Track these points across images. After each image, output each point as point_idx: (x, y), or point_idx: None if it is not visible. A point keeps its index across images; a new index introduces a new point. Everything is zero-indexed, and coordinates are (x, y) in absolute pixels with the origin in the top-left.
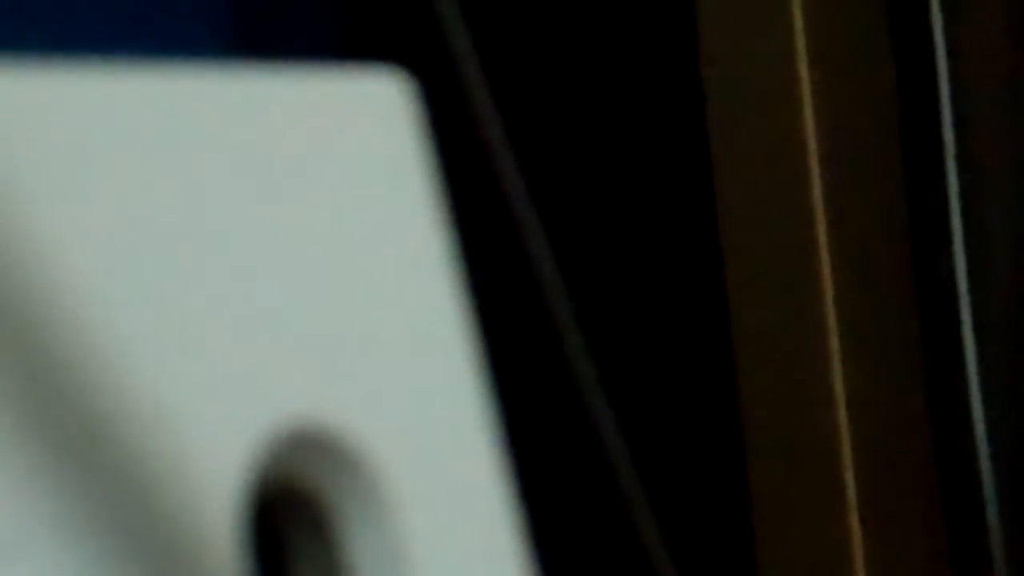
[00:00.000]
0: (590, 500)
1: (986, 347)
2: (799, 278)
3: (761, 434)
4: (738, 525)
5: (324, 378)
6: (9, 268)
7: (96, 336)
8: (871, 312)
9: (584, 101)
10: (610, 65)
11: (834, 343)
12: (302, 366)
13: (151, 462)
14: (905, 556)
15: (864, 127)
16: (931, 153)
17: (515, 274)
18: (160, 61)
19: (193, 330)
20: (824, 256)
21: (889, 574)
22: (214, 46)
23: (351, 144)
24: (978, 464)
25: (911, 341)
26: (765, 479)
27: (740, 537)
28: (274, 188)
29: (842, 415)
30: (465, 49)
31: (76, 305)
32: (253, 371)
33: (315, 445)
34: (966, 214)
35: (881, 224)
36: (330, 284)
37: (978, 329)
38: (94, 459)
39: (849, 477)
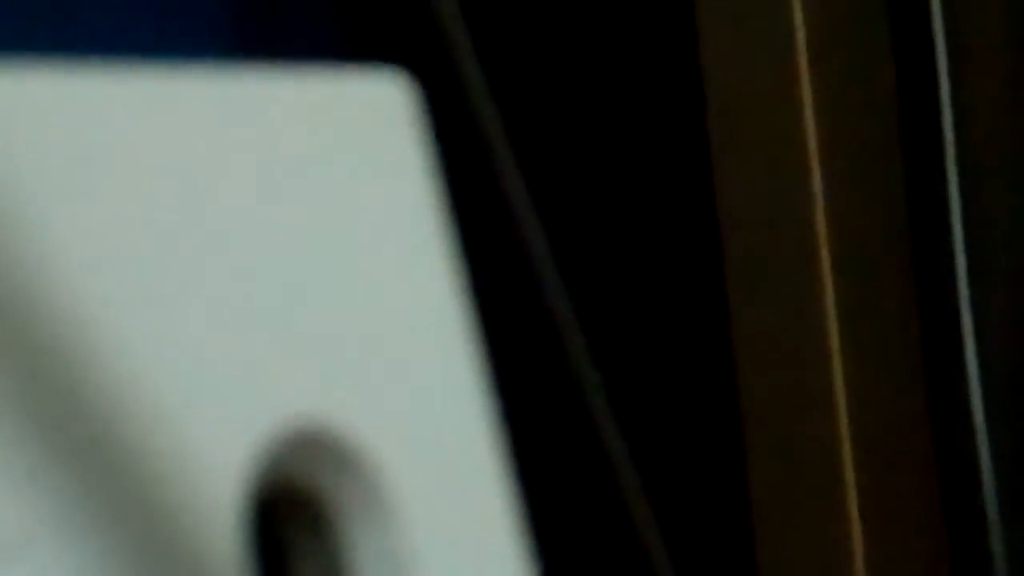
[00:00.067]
0: (590, 500)
1: (986, 347)
2: (799, 278)
3: (761, 434)
4: (738, 525)
5: (325, 378)
6: (9, 268)
7: (97, 336)
8: (871, 312)
9: (584, 101)
10: (610, 65)
11: (834, 343)
12: (303, 366)
13: (153, 462)
14: (905, 556)
15: (864, 127)
16: (931, 153)
17: (515, 274)
18: (160, 62)
19: (194, 330)
20: (824, 256)
21: (889, 574)
22: (214, 47)
23: (351, 144)
24: (978, 464)
25: (911, 341)
26: (765, 479)
27: (740, 537)
28: (274, 188)
29: (842, 415)
30: (465, 50)
31: (76, 305)
32: (254, 371)
33: (316, 445)
34: (966, 214)
35: (881, 224)
36: (331, 284)
37: (978, 329)
38: (95, 459)
39: (849, 477)
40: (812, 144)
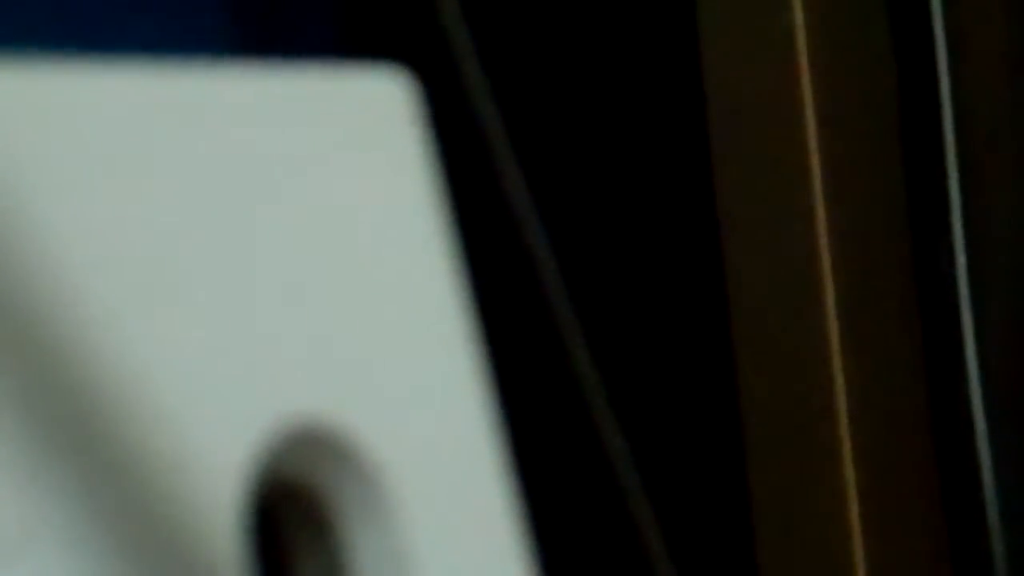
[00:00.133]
0: (591, 499)
1: (986, 347)
2: (799, 278)
3: (761, 434)
4: (738, 525)
5: (326, 377)
6: (9, 267)
7: (96, 335)
8: (871, 312)
9: (585, 101)
10: (611, 65)
11: (834, 343)
12: (303, 364)
13: (152, 460)
14: (905, 556)
15: (864, 127)
16: (931, 153)
17: (516, 273)
18: (160, 60)
19: (193, 328)
20: (824, 256)
21: (889, 574)
22: (214, 45)
23: (352, 143)
24: (978, 464)
25: (911, 341)
26: (765, 479)
27: (740, 537)
28: (274, 187)
29: (842, 415)
30: (466, 48)
31: (76, 304)
32: (254, 369)
33: (316, 443)
34: (966, 214)
35: (881, 224)
36: (332, 283)
37: (978, 329)
38: (95, 458)
39: (849, 477)
40: (812, 144)
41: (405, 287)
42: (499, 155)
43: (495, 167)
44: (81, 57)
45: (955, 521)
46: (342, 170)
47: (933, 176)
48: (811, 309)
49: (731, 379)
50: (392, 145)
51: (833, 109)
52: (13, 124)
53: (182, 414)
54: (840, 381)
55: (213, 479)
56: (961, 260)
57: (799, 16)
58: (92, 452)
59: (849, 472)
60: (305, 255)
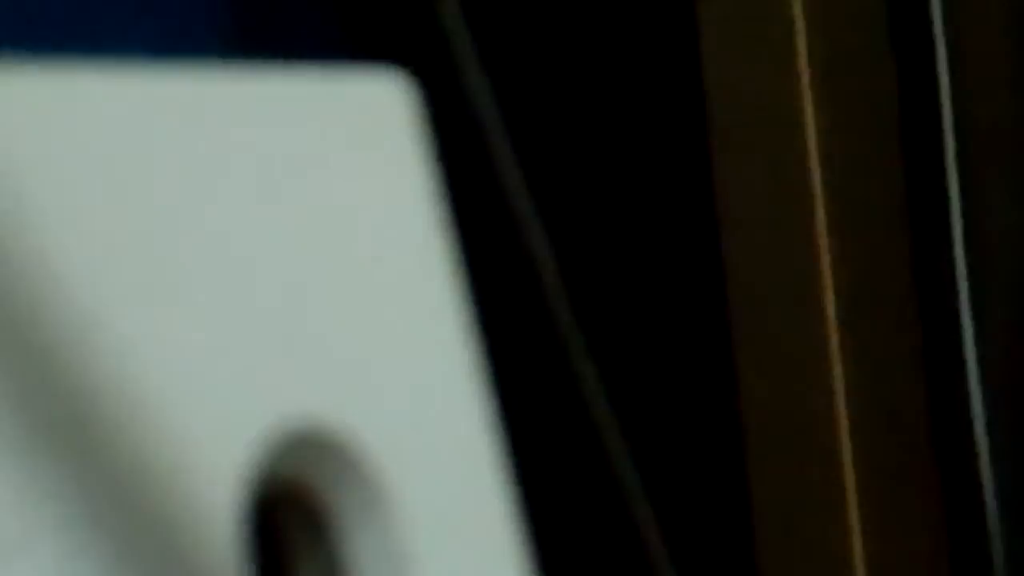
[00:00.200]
0: (590, 500)
1: (986, 347)
2: (799, 279)
3: (761, 434)
4: (738, 525)
5: (325, 379)
6: (8, 269)
7: (97, 336)
8: (871, 312)
9: (585, 102)
10: (611, 66)
11: (834, 344)
12: (302, 366)
13: (152, 462)
14: (905, 556)
15: (864, 127)
16: (931, 153)
17: (516, 274)
18: (160, 61)
19: (193, 330)
20: (824, 256)
21: (889, 574)
22: (214, 46)
23: (351, 145)
24: (978, 464)
25: (911, 341)
26: (765, 479)
27: (740, 537)
28: (274, 188)
29: (842, 415)
30: (466, 50)
31: (75, 306)
32: (254, 371)
33: (315, 445)
34: (966, 214)
35: (881, 224)
36: (330, 284)
37: (978, 329)
38: (94, 460)
39: (849, 477)
40: (812, 144)
41: (404, 289)
42: (499, 156)
43: (495, 168)
44: (81, 59)
45: (955, 521)
46: (341, 172)
47: (933, 176)
48: (811, 309)
49: (731, 379)
50: (391, 147)
51: (833, 109)
52: (14, 126)
53: (181, 416)
54: (840, 382)
55: (212, 481)
56: (961, 260)
57: (799, 16)
58: (91, 454)
59: (849, 472)
60: (304, 257)
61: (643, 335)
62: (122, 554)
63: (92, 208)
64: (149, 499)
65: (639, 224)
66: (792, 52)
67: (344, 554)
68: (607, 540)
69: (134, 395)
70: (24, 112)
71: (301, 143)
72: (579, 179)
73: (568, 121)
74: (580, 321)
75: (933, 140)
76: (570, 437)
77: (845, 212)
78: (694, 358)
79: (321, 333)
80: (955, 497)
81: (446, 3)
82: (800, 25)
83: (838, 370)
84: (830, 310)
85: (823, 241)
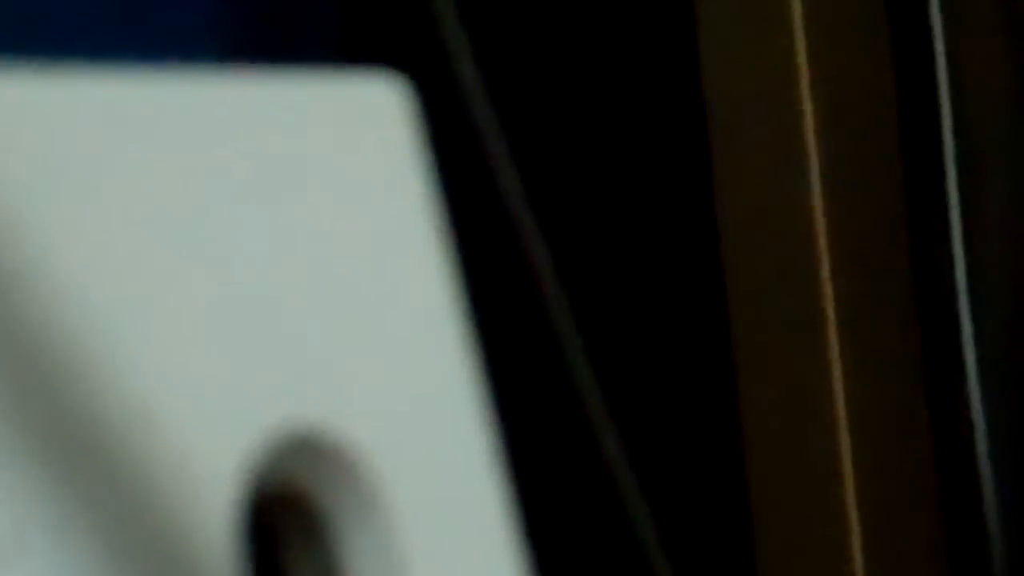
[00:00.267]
0: (588, 502)
1: (986, 347)
2: (799, 279)
3: (761, 434)
4: (738, 525)
5: (320, 381)
6: (6, 272)
7: (94, 338)
8: (871, 312)
9: (583, 104)
10: (609, 67)
11: (834, 344)
12: (299, 369)
13: (148, 464)
14: (905, 556)
15: (864, 127)
16: (931, 153)
17: (513, 277)
18: (158, 64)
19: (189, 333)
20: (824, 257)
21: (889, 574)
22: (213, 49)
23: (348, 149)
24: (978, 464)
25: (911, 342)
26: (764, 480)
27: (739, 537)
28: (271, 192)
29: (841, 415)
30: (463, 53)
31: (73, 309)
32: (250, 374)
33: (312, 449)
34: (966, 214)
35: (881, 224)
36: (327, 288)
37: (978, 329)
38: (91, 461)
39: (849, 478)
40: (812, 144)
41: (401, 293)
42: (496, 160)
43: (492, 171)
44: (81, 62)
45: (954, 521)
46: (338, 176)
47: (932, 176)
48: (811, 310)
49: (730, 379)
50: (388, 150)
51: (833, 109)
52: (13, 130)
53: (178, 419)
54: (840, 383)
55: (208, 484)
56: (960, 261)
57: (799, 16)
58: (88, 456)
59: (849, 473)
60: (300, 260)
61: (642, 335)
62: (118, 557)
63: (90, 212)
64: (145, 502)
65: (637, 224)
66: (792, 52)
67: (340, 556)
68: (604, 541)
69: (130, 398)
70: (22, 116)
71: (298, 147)
72: (576, 180)
73: (565, 122)
74: (577, 322)
75: (932, 140)
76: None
77: (845, 212)
78: (693, 358)
79: (318, 336)
80: (955, 497)
81: (443, 8)
82: (799, 25)
83: (838, 370)
84: (830, 310)
85: (823, 241)
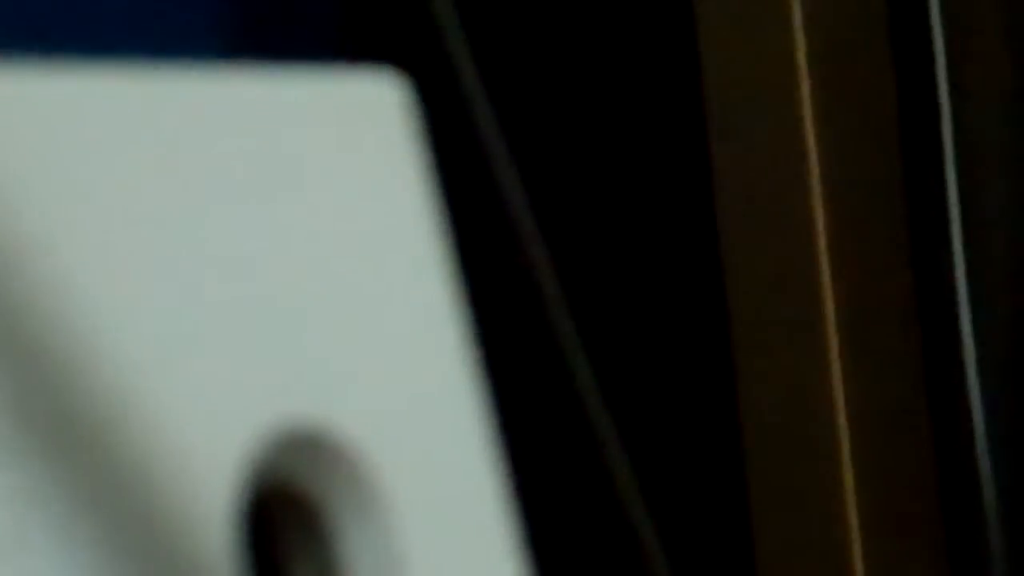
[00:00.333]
0: (587, 502)
1: (986, 347)
2: (799, 279)
3: (761, 434)
4: (737, 525)
5: (320, 380)
6: (5, 269)
7: (94, 336)
8: (871, 313)
9: (583, 102)
10: (609, 66)
11: (834, 344)
12: (298, 368)
13: (147, 462)
14: (905, 556)
15: (864, 127)
16: (931, 153)
17: (511, 275)
18: (158, 62)
19: (189, 331)
20: (824, 257)
21: (889, 574)
22: (213, 47)
23: (347, 146)
24: (978, 464)
25: (911, 341)
26: (765, 479)
27: (739, 537)
28: (270, 189)
29: (842, 415)
30: (461, 51)
31: (71, 307)
32: (249, 372)
33: (310, 446)
34: (965, 215)
35: (881, 224)
36: (326, 286)
37: (978, 329)
38: (89, 460)
39: (849, 477)
40: (812, 144)
41: (399, 291)
42: (495, 157)
43: (491, 169)
44: (78, 60)
45: (954, 521)
46: (336, 173)
47: (932, 176)
48: (811, 309)
49: (730, 380)
50: (387, 148)
51: (833, 109)
52: (13, 127)
53: (177, 417)
54: (839, 382)
55: (208, 481)
56: (960, 260)
57: (799, 16)
58: (86, 455)
59: (848, 473)
60: (299, 258)
61: (641, 335)
62: (118, 554)
63: (89, 209)
64: (144, 499)
65: (637, 223)
66: (792, 52)
67: (338, 554)
68: (604, 541)
69: (129, 396)
70: (22, 113)
71: (296, 144)
72: (575, 177)
73: (565, 121)
74: (577, 321)
75: (932, 140)
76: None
77: (845, 212)
78: (692, 358)
79: (317, 334)
80: (954, 497)
81: (441, 7)
82: (799, 25)
83: (838, 370)
84: (830, 310)
85: (823, 242)
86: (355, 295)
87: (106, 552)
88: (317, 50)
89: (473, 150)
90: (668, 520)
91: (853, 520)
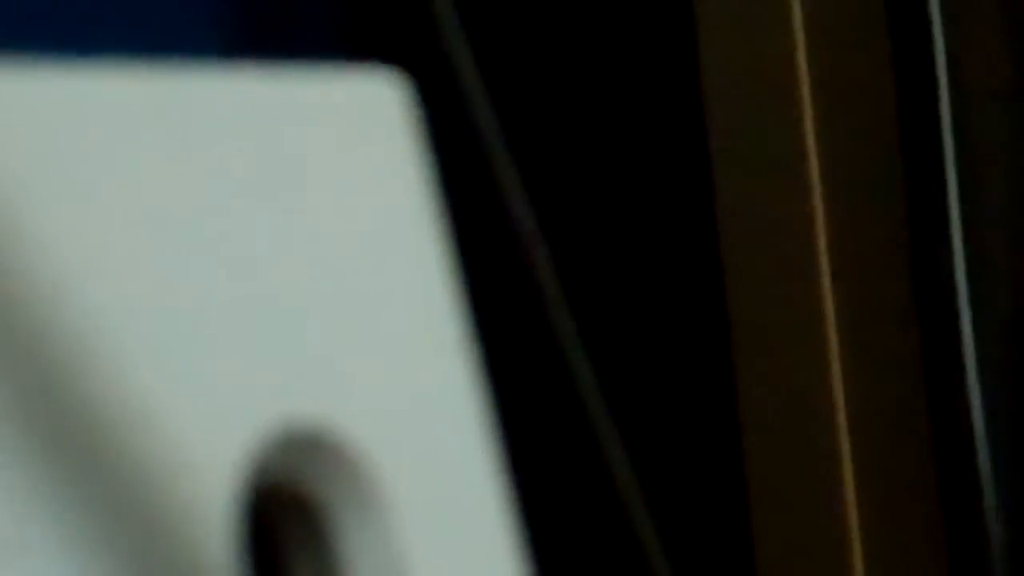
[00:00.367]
0: (587, 502)
1: (986, 347)
2: (799, 280)
3: (760, 434)
4: (737, 525)
5: (320, 380)
6: (7, 268)
7: (94, 336)
8: (871, 312)
9: (583, 102)
10: (609, 66)
11: (834, 344)
12: (298, 367)
13: (148, 462)
14: (905, 556)
15: (864, 127)
16: (931, 153)
17: (512, 275)
18: (159, 61)
19: (189, 331)
20: (824, 257)
21: (889, 574)
22: (213, 46)
23: (348, 146)
24: (978, 464)
25: (911, 341)
26: (764, 479)
27: (739, 537)
28: (270, 189)
29: (842, 415)
30: (462, 50)
31: (71, 308)
32: (249, 372)
33: (311, 446)
34: (965, 214)
35: (881, 224)
36: (326, 285)
37: (978, 329)
38: (90, 459)
39: (849, 477)
40: (812, 145)
41: (400, 290)
42: (495, 156)
43: (491, 168)
44: (78, 59)
45: (954, 521)
46: (337, 172)
47: (933, 176)
48: (811, 310)
49: (730, 380)
50: (387, 147)
51: (833, 109)
52: (13, 127)
53: (178, 417)
54: (839, 383)
55: (208, 481)
56: (960, 261)
57: (799, 16)
58: (86, 454)
59: (848, 473)
60: (299, 257)
61: (641, 335)
62: (118, 554)
63: (89, 209)
64: (145, 498)
65: (637, 223)
66: (792, 52)
67: (339, 553)
68: (604, 540)
69: (130, 396)
70: (23, 112)
71: (297, 144)
72: (575, 177)
73: (565, 121)
74: (577, 321)
75: (932, 140)
76: (566, 437)
77: (845, 212)
78: (693, 358)
79: (317, 333)
80: (954, 497)
81: (443, 5)
82: (799, 25)
83: (838, 370)
84: (830, 310)
85: (823, 242)
86: (356, 294)
87: (106, 552)
88: (317, 50)
89: (473, 150)
90: (668, 520)
91: (853, 520)
